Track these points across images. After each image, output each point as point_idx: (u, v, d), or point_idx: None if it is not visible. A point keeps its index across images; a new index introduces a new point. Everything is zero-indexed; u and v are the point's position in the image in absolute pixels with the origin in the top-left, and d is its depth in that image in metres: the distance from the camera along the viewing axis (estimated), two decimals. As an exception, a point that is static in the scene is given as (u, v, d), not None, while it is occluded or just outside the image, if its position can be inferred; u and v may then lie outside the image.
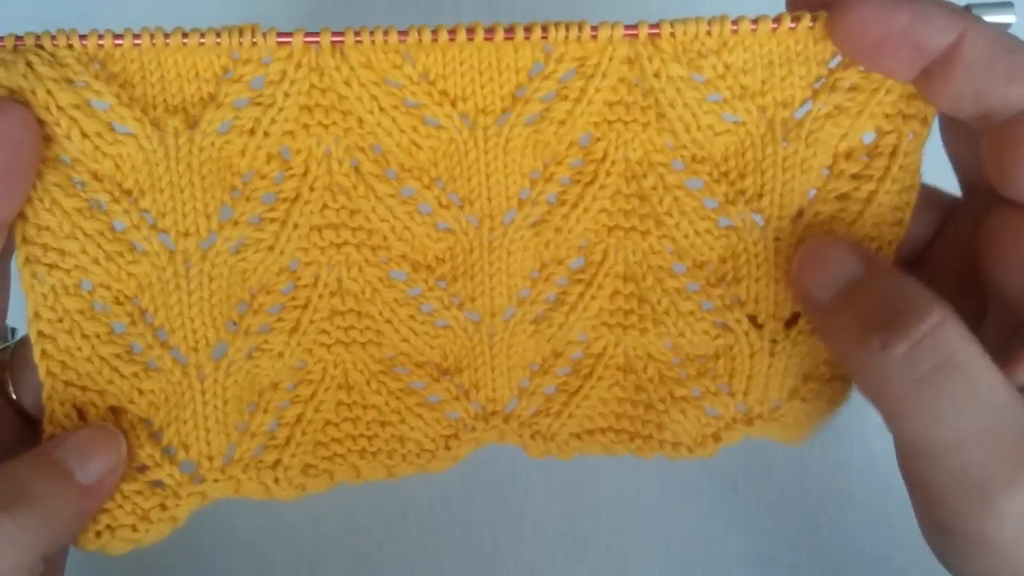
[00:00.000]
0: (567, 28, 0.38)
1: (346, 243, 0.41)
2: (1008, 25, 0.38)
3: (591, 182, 0.41)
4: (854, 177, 0.41)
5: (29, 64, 0.36)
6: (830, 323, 0.38)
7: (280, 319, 0.41)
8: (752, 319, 0.42)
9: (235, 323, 0.41)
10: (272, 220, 0.40)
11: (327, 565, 0.64)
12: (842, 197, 0.41)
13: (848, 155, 0.40)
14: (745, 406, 0.43)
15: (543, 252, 0.42)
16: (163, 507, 0.41)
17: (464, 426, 0.43)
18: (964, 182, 0.42)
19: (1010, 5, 0.38)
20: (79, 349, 0.40)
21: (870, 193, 0.40)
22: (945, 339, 0.34)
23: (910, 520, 0.39)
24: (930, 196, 0.43)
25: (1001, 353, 0.37)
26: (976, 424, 0.34)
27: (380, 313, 0.42)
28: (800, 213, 0.41)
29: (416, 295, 0.42)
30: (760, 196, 0.40)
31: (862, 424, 0.63)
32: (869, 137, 0.40)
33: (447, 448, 0.43)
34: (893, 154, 0.40)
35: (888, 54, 0.36)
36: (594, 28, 0.38)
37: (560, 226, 0.41)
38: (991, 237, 0.39)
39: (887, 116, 0.39)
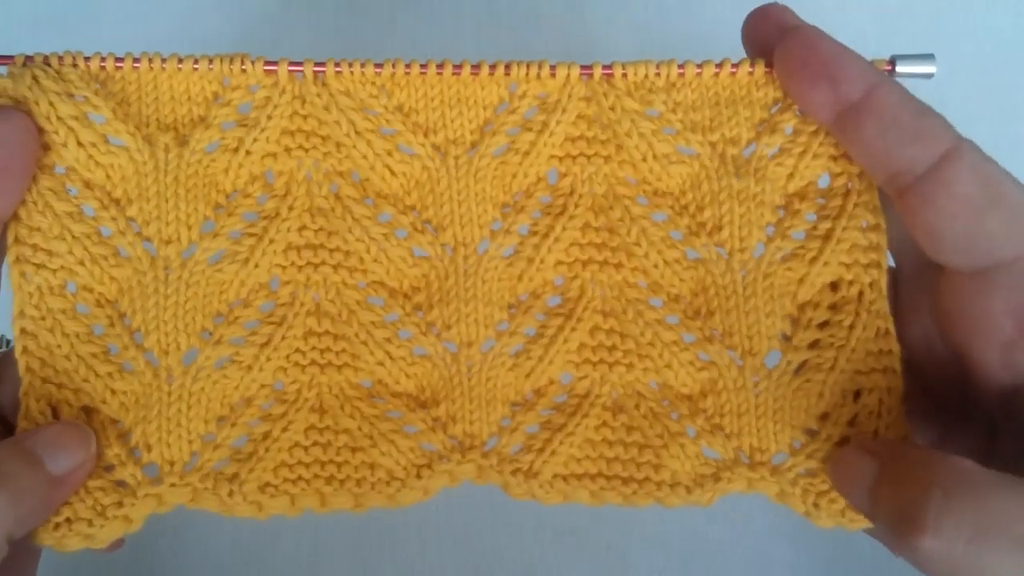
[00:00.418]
0: (528, 66, 0.42)
1: (324, 263, 0.43)
2: (930, 75, 0.42)
3: (561, 213, 0.43)
4: (812, 217, 0.43)
5: (35, 78, 0.40)
6: (880, 528, 0.38)
7: (254, 333, 0.43)
8: (732, 353, 0.43)
9: (210, 332, 0.43)
10: (250, 235, 0.43)
11: (327, 564, 0.65)
12: (801, 234, 0.43)
13: (803, 196, 0.43)
14: (745, 453, 0.43)
15: (517, 285, 0.44)
16: (119, 504, 0.41)
17: (439, 457, 0.43)
18: (889, 248, 0.44)
19: (931, 57, 0.41)
20: (59, 347, 0.41)
21: (827, 230, 0.42)
22: (962, 507, 0.32)
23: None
24: None
25: (1007, 426, 0.38)
26: None
27: (356, 335, 0.43)
28: (761, 248, 0.43)
29: (393, 321, 0.44)
30: (720, 228, 0.43)
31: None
32: (826, 181, 0.43)
33: (418, 477, 0.43)
34: (846, 194, 0.42)
35: (809, 83, 0.39)
36: (552, 67, 0.42)
37: (532, 256, 0.43)
38: (952, 312, 0.40)
39: (833, 158, 0.42)
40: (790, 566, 0.64)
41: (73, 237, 0.41)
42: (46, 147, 0.41)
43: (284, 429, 0.43)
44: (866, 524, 0.41)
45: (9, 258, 0.41)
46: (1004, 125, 0.69)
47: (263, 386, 0.43)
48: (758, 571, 0.64)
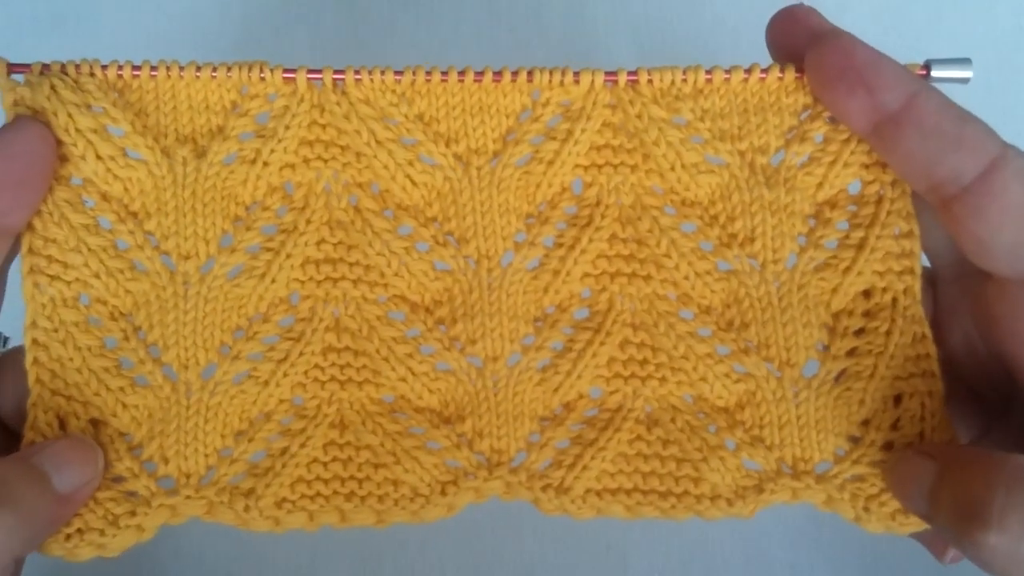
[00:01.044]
0: (551, 73, 0.41)
1: (343, 278, 0.42)
2: (966, 80, 0.40)
3: (587, 224, 0.42)
4: (844, 225, 0.42)
5: (53, 88, 0.39)
6: (940, 529, 0.38)
7: (272, 348, 0.42)
8: (769, 365, 0.42)
9: (228, 347, 0.42)
10: (268, 250, 0.42)
11: (327, 564, 0.64)
12: (834, 243, 0.42)
13: (833, 204, 0.42)
14: (788, 464, 0.42)
15: (543, 298, 0.43)
16: (132, 514, 0.40)
17: (464, 474, 0.42)
18: (927, 252, 0.43)
19: (968, 61, 0.40)
20: (70, 360, 0.41)
21: (860, 239, 0.42)
22: (1021, 502, 0.33)
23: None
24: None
25: None
26: None
27: (377, 351, 0.42)
28: (794, 259, 0.42)
29: (415, 336, 0.43)
30: (752, 240, 0.42)
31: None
32: (856, 187, 0.42)
33: (443, 494, 0.42)
34: (879, 201, 0.42)
35: (845, 92, 0.38)
36: (576, 74, 0.41)
37: (558, 269, 0.42)
38: (1000, 318, 0.39)
39: (865, 166, 0.41)
40: (790, 566, 0.64)
41: (89, 250, 0.41)
42: (63, 158, 0.40)
43: (303, 445, 0.42)
44: (917, 527, 0.41)
45: (23, 269, 0.41)
46: (1004, 125, 0.73)
47: (282, 401, 0.43)
48: (758, 571, 0.64)
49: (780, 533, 0.64)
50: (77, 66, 0.40)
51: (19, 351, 0.42)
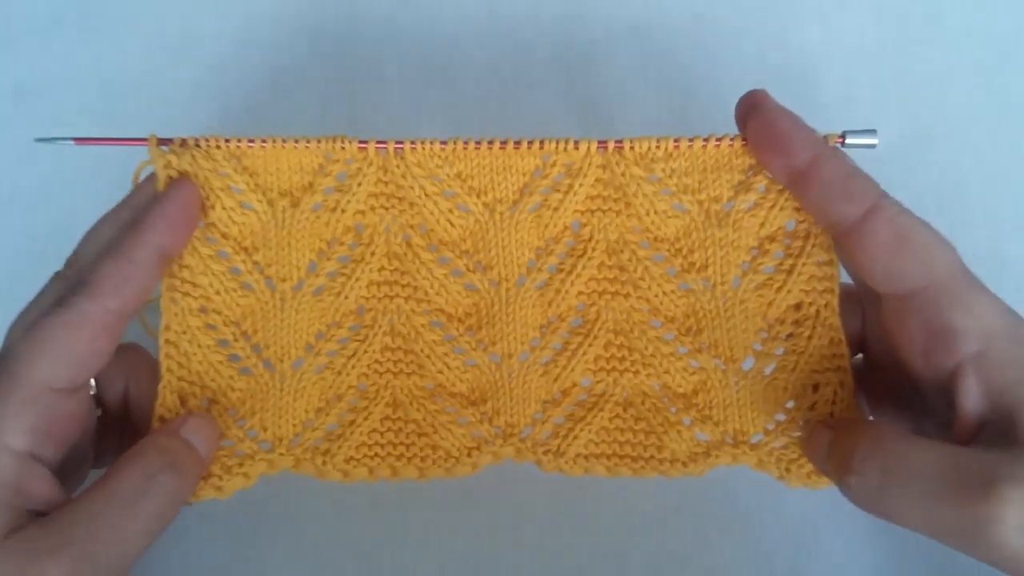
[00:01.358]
0: (557, 142, 0.52)
1: (397, 296, 0.54)
2: (873, 146, 0.51)
3: (581, 255, 0.53)
4: (780, 254, 0.52)
5: (193, 156, 0.51)
6: (832, 481, 0.46)
7: (344, 347, 0.54)
8: (717, 361, 0.52)
9: (312, 346, 0.54)
10: (342, 274, 0.54)
11: (327, 564, 0.64)
12: (771, 268, 0.52)
13: (773, 238, 0.52)
14: (730, 435, 0.52)
15: (547, 310, 0.53)
16: (241, 465, 0.51)
17: (485, 442, 0.53)
18: (852, 277, 0.52)
19: (874, 132, 0.51)
20: (194, 354, 0.52)
21: (791, 266, 0.52)
22: (877, 454, 0.42)
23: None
24: (850, 292, 0.52)
25: (948, 415, 0.44)
26: (934, 492, 0.39)
27: (421, 350, 0.53)
28: (738, 280, 0.52)
29: (450, 339, 0.54)
30: (706, 267, 0.52)
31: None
32: (792, 224, 0.52)
33: (469, 456, 0.53)
34: (806, 236, 0.51)
35: (768, 154, 0.48)
36: (576, 142, 0.52)
37: (559, 288, 0.53)
38: (888, 327, 0.47)
39: (797, 209, 0.51)
40: (790, 566, 0.64)
41: (212, 273, 0.52)
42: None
43: (365, 418, 0.53)
44: (825, 484, 0.50)
45: (163, 286, 0.51)
46: (1004, 126, 0.68)
47: (350, 386, 0.53)
48: (758, 571, 0.64)
49: (780, 533, 0.64)
50: (207, 140, 0.51)
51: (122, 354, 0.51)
